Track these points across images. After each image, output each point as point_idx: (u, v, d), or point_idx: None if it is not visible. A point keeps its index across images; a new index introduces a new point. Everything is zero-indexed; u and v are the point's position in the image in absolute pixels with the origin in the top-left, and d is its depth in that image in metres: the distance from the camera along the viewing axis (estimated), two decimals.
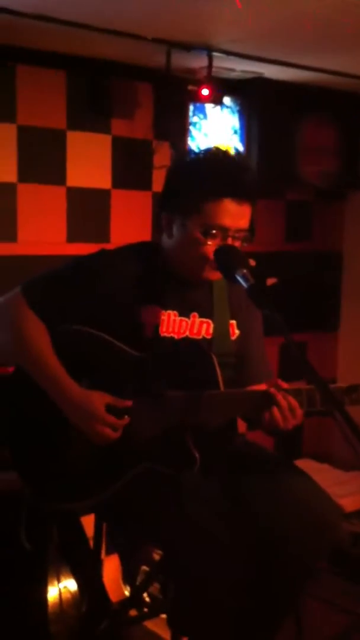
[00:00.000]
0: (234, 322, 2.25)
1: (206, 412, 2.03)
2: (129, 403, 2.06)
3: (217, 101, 3.29)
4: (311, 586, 2.26)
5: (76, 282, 2.13)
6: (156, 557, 2.67)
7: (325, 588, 2.98)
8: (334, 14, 2.68)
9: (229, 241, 2.06)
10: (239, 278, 1.94)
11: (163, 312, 2.14)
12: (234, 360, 2.22)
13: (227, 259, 2.01)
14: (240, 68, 3.47)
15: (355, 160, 4.19)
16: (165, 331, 2.14)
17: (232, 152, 2.19)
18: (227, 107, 3.68)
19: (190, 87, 3.19)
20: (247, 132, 3.76)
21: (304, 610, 2.35)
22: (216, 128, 3.65)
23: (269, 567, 2.05)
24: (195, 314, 2.19)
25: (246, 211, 2.07)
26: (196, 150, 2.22)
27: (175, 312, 2.16)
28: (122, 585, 2.88)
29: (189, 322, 2.18)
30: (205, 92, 3.19)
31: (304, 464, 3.91)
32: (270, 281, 4.11)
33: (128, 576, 2.86)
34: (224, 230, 2.05)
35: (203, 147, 2.28)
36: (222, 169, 2.09)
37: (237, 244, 2.08)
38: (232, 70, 3.48)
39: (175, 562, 2.06)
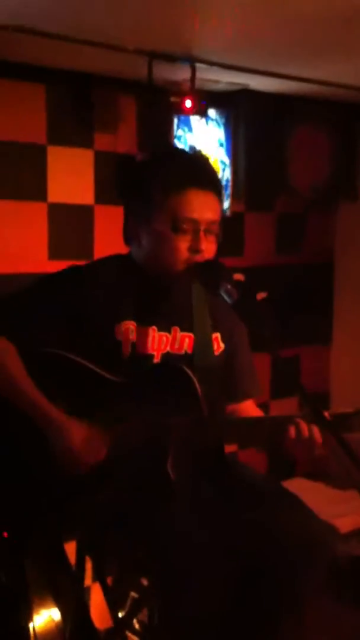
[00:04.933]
0: (217, 335, 2.17)
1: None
2: (102, 455, 1.98)
3: (201, 113, 3.23)
4: (310, 616, 2.16)
5: (47, 302, 2.04)
6: (145, 582, 2.59)
7: (327, 617, 2.87)
8: (321, 22, 2.63)
9: (202, 236, 1.99)
10: (223, 294, 1.88)
11: (141, 328, 2.05)
12: (217, 376, 2.14)
13: (209, 274, 1.95)
14: (226, 80, 3.41)
15: (347, 170, 4.14)
16: (143, 348, 2.05)
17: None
18: (213, 119, 3.64)
19: (172, 99, 3.13)
20: (233, 144, 3.72)
21: None
22: (202, 141, 3.60)
23: (259, 592, 1.97)
24: (177, 327, 2.10)
25: (212, 201, 2.01)
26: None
27: (154, 327, 2.07)
28: (110, 613, 2.79)
29: (170, 337, 2.09)
30: (188, 103, 3.13)
31: (297, 483, 3.84)
32: (260, 295, 4.05)
33: (115, 603, 2.77)
34: (194, 224, 1.98)
35: None
36: (181, 161, 2.06)
37: (211, 239, 2.01)
38: (218, 82, 3.42)
39: (160, 590, 1.99)
